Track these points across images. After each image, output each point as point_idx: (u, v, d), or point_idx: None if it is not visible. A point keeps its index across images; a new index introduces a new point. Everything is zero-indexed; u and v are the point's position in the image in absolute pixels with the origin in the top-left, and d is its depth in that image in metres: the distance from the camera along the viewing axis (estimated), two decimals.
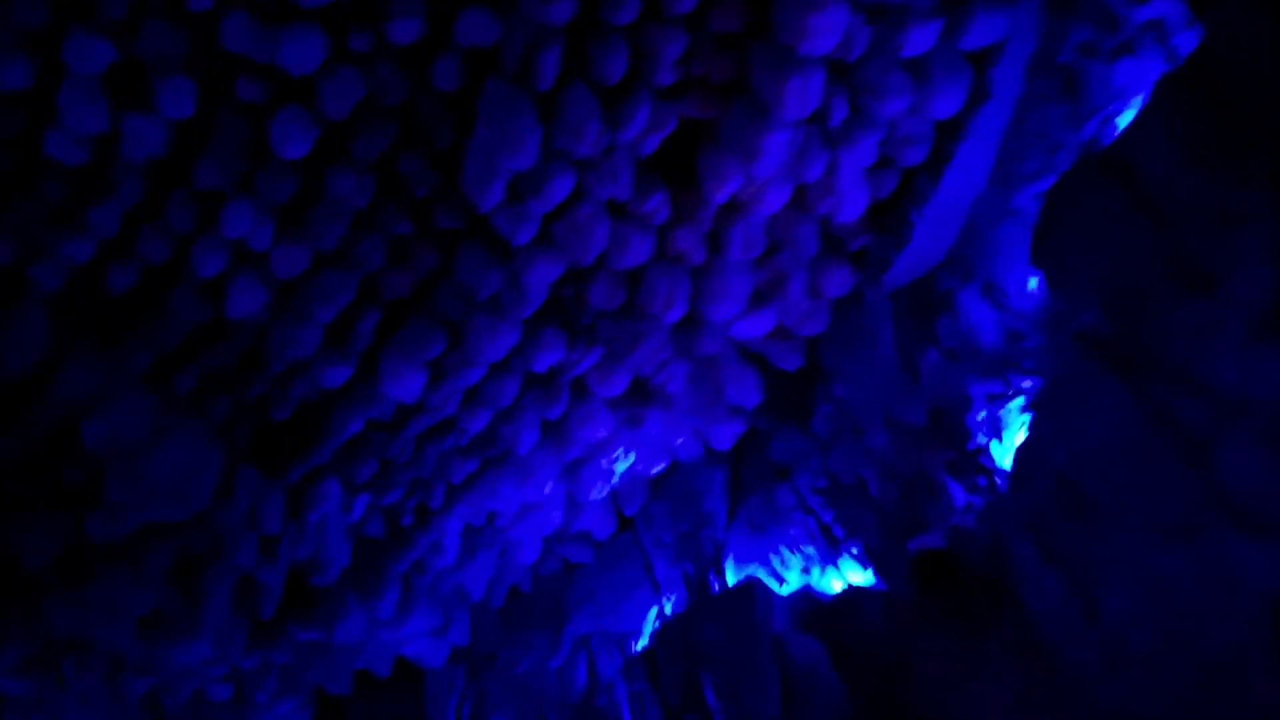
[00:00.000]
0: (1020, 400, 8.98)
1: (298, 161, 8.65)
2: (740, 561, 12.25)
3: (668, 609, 12.71)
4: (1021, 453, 8.62)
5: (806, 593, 11.81)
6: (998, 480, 9.13)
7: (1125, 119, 8.50)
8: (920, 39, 8.09)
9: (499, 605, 12.99)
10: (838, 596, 11.44)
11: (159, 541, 9.77)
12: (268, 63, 8.07)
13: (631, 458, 11.52)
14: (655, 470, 12.13)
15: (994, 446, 9.26)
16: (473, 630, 12.90)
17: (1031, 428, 8.66)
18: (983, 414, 9.09)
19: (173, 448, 9.12)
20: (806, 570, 11.97)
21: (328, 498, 10.61)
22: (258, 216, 8.76)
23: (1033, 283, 9.04)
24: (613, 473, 11.55)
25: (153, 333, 8.96)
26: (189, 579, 10.27)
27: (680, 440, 11.75)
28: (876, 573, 11.06)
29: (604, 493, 11.78)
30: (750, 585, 11.71)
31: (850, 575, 11.50)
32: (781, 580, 12.11)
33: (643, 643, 12.89)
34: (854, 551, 11.40)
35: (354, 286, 9.33)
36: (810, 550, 11.89)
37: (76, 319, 8.56)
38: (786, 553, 12.05)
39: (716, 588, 12.27)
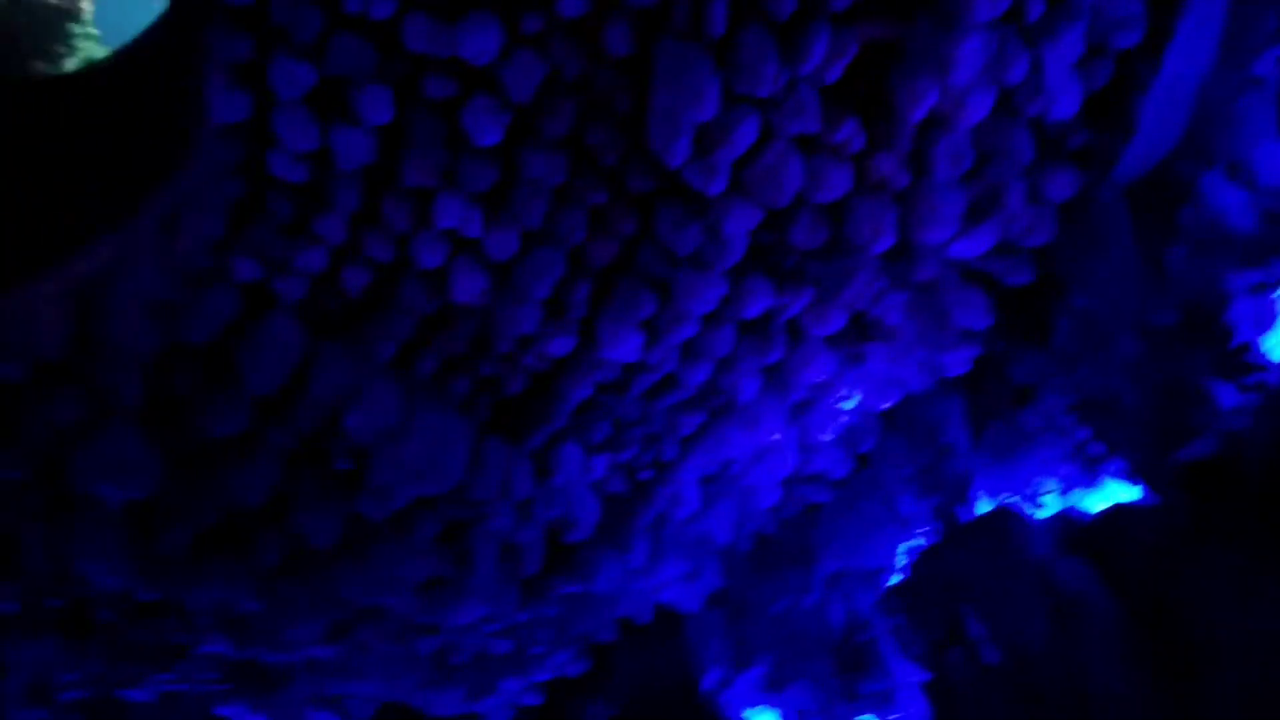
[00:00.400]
0: None
1: (493, 148, 9.02)
2: (988, 490, 11.73)
3: (917, 543, 12.41)
4: None
5: (1066, 516, 11.14)
6: (1270, 377, 8.16)
7: None
8: None
9: (746, 549, 13.20)
10: (1102, 516, 10.72)
11: (425, 514, 10.65)
12: (450, 57, 8.45)
13: (858, 395, 11.28)
14: (886, 405, 11.81)
15: (1262, 340, 8.28)
16: (725, 574, 13.21)
17: None
18: (1244, 306, 8.13)
19: (424, 429, 9.88)
20: (1064, 493, 11.28)
21: (569, 460, 11.15)
22: (465, 206, 9.24)
23: None
24: (841, 412, 11.37)
25: (390, 325, 9.71)
26: (457, 545, 11.17)
27: (909, 373, 11.36)
28: (1144, 488, 10.26)
29: (835, 433, 11.62)
30: (1004, 512, 11.22)
31: (1114, 493, 10.73)
32: (1037, 505, 11.49)
33: (895, 578, 12.69)
34: (1115, 469, 10.61)
35: (562, 260, 9.65)
36: (1066, 472, 11.19)
37: (322, 322, 9.42)
38: (1040, 477, 11.40)
39: (966, 518, 11.83)
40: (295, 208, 8.89)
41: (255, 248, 8.76)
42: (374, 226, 9.27)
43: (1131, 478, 10.45)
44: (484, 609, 11.60)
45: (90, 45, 17.26)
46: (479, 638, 12.67)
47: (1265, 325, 8.18)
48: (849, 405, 11.28)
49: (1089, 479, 10.82)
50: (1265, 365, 8.33)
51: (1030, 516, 11.16)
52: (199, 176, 8.49)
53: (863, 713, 12.77)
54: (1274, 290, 7.95)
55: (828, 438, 11.60)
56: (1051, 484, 11.24)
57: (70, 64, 16.87)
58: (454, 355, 10.32)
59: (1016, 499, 11.49)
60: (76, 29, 17.19)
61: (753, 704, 13.45)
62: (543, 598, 12.44)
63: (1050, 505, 11.32)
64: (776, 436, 11.21)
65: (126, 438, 9.33)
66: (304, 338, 9.28)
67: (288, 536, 10.41)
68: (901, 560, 12.48)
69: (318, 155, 8.74)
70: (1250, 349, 8.30)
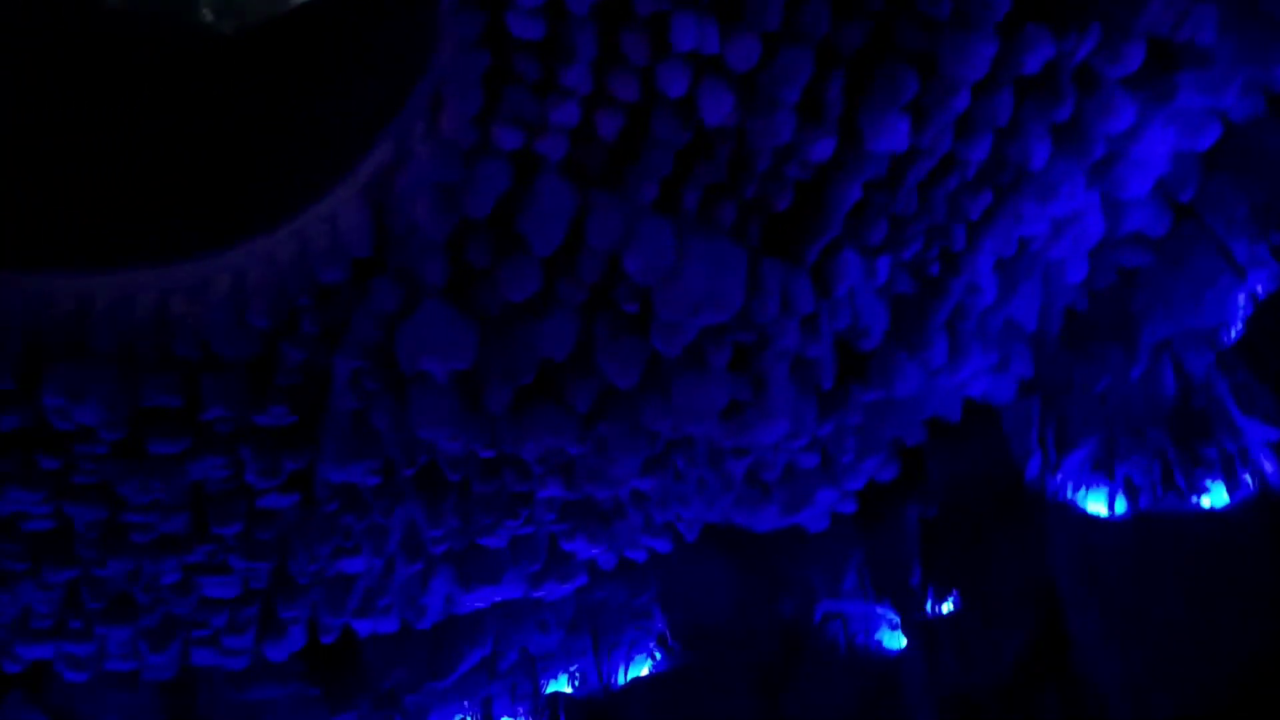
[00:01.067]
0: None
1: None
2: None
3: (1258, 291, 11.06)
4: None
5: None
6: None
7: None
8: None
9: (1057, 330, 12.38)
10: None
11: (715, 343, 10.80)
12: None
13: (1170, 135, 9.97)
14: (1206, 142, 10.37)
15: None
16: (1036, 360, 12.52)
17: None
18: None
19: (699, 261, 9.90)
20: None
21: (849, 268, 10.83)
22: (700, 22, 8.88)
23: None
24: (1150, 159, 10.12)
25: (650, 163, 9.68)
26: (750, 369, 11.29)
27: (1229, 100, 9.84)
28: None
29: (1147, 184, 10.41)
30: None
31: None
32: None
33: (1236, 332, 11.44)
34: None
35: (810, 57, 9.10)
36: None
37: (586, 173, 9.54)
38: None
39: None
40: (541, 65, 8.94)
41: (512, 113, 8.93)
42: (617, 66, 9.15)
43: None
44: (785, 426, 11.74)
45: None
46: (786, 454, 12.91)
47: None
48: (1160, 150, 9.99)
49: None
50: None
51: None
52: (450, 54, 8.71)
53: (1208, 479, 11.88)
54: None
55: (1139, 191, 10.42)
56: None
57: None
58: (716, 182, 10.17)
59: None
60: None
61: (1083, 485, 12.89)
62: (843, 408, 12.41)
63: None
64: (1078, 200, 10.21)
65: (441, 315, 10.11)
66: (573, 193, 9.47)
67: (595, 382, 10.98)
68: (1241, 312, 11.18)
69: (551, 6, 8.66)
70: None
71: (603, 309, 10.40)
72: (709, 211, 10.09)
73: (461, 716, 15.75)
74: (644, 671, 15.42)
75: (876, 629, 15.21)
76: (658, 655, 15.35)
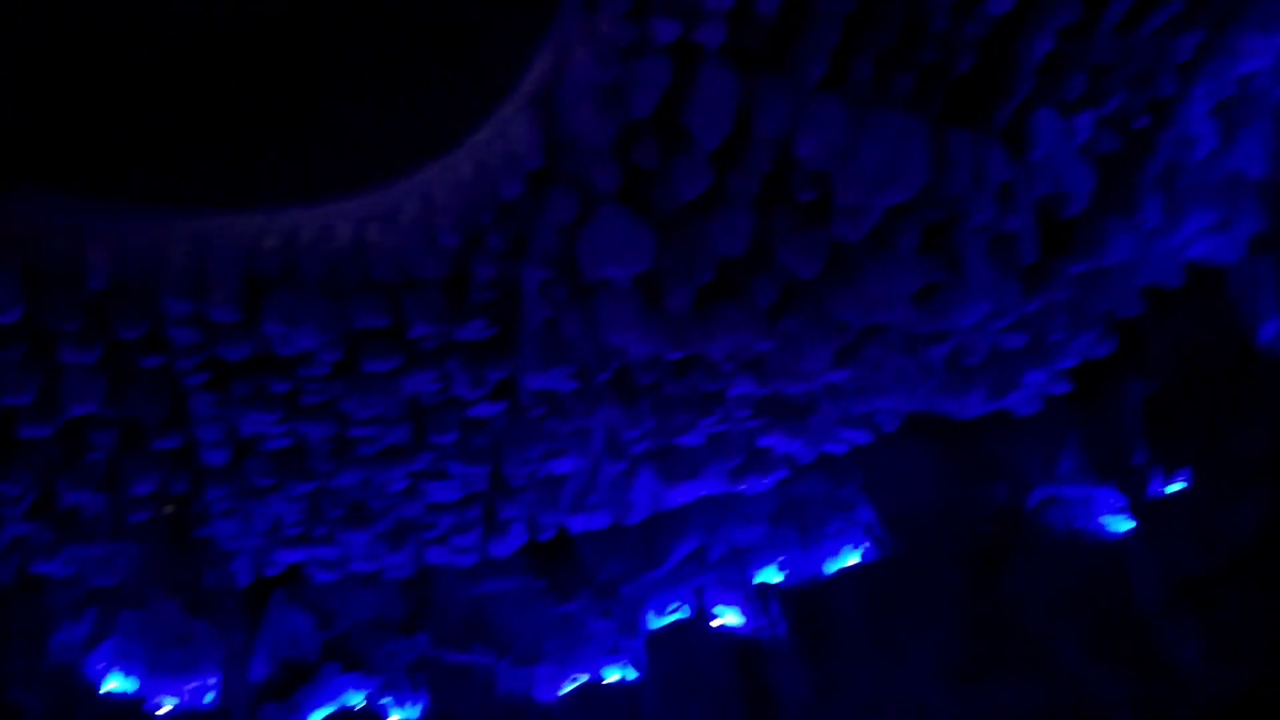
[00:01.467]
0: None
1: None
2: None
3: None
4: None
5: None
6: None
7: None
8: None
9: None
10: None
11: (901, 224, 10.36)
12: None
13: None
14: None
15: None
16: (1267, 213, 11.24)
17: None
18: None
19: (876, 137, 9.45)
20: None
21: (1045, 128, 10.04)
22: None
23: None
24: None
25: (814, 38, 9.23)
26: (942, 249, 10.78)
27: None
28: None
29: None
30: None
31: None
32: None
33: None
34: None
35: None
36: None
37: (748, 58, 9.22)
38: None
39: None
40: None
41: (667, 3, 8.71)
42: None
43: None
44: (986, 307, 11.19)
45: None
46: (989, 335, 12.32)
47: None
48: None
49: None
50: None
51: None
52: None
53: None
54: None
55: None
56: None
57: None
58: (887, 50, 9.58)
59: None
60: None
61: None
62: (1049, 283, 11.67)
63: None
64: None
65: (616, 220, 10.21)
66: (737, 81, 9.20)
67: (777, 275, 10.82)
68: None
69: None
70: None
71: (778, 199, 10.17)
72: (883, 83, 9.56)
73: (676, 605, 16.38)
74: (852, 561, 15.44)
75: (1098, 512, 14.49)
76: (865, 545, 15.32)
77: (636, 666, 16.30)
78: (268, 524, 14.06)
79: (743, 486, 15.12)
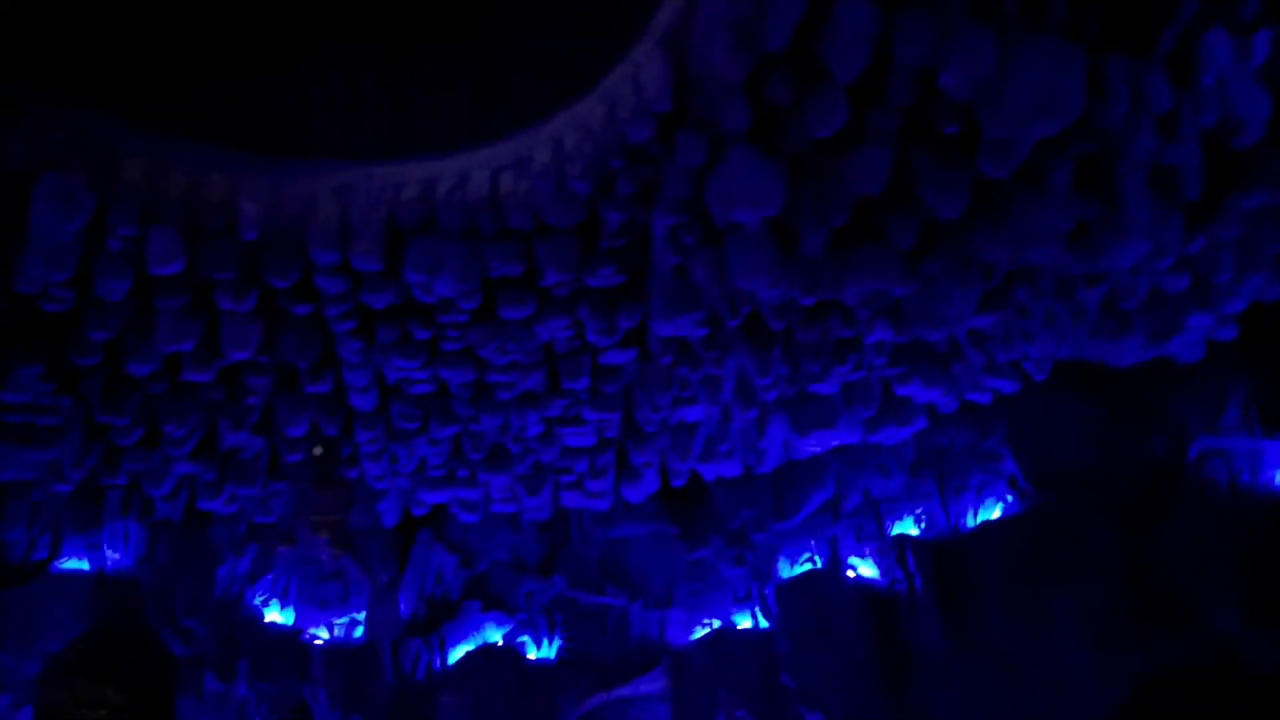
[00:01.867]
0: None
1: None
2: None
3: None
4: None
5: None
6: None
7: None
8: None
9: None
10: None
11: (1053, 157, 9.77)
12: None
13: None
14: None
15: None
16: None
17: None
18: None
19: (1026, 65, 8.86)
20: None
21: (1215, 51, 9.24)
22: None
23: None
24: None
25: None
26: (1098, 184, 10.12)
27: None
28: None
29: None
30: None
31: None
32: None
33: None
34: None
35: None
36: None
37: None
38: None
39: None
40: None
41: None
42: None
43: None
44: (1145, 246, 10.47)
45: None
46: (1149, 277, 11.56)
47: None
48: None
49: None
50: None
51: None
52: None
53: None
54: None
55: None
56: None
57: None
58: None
59: None
60: None
61: None
62: (1216, 220, 10.84)
63: None
64: None
65: (747, 162, 9.97)
66: (874, 9, 8.78)
67: (918, 215, 10.40)
68: None
69: None
70: None
71: (919, 134, 9.72)
72: (1033, 7, 8.96)
73: (809, 555, 16.27)
74: (995, 515, 14.95)
75: (1266, 466, 13.54)
76: (1009, 498, 14.79)
77: (768, 615, 16.31)
78: (413, 465, 14.62)
79: (879, 436, 14.75)
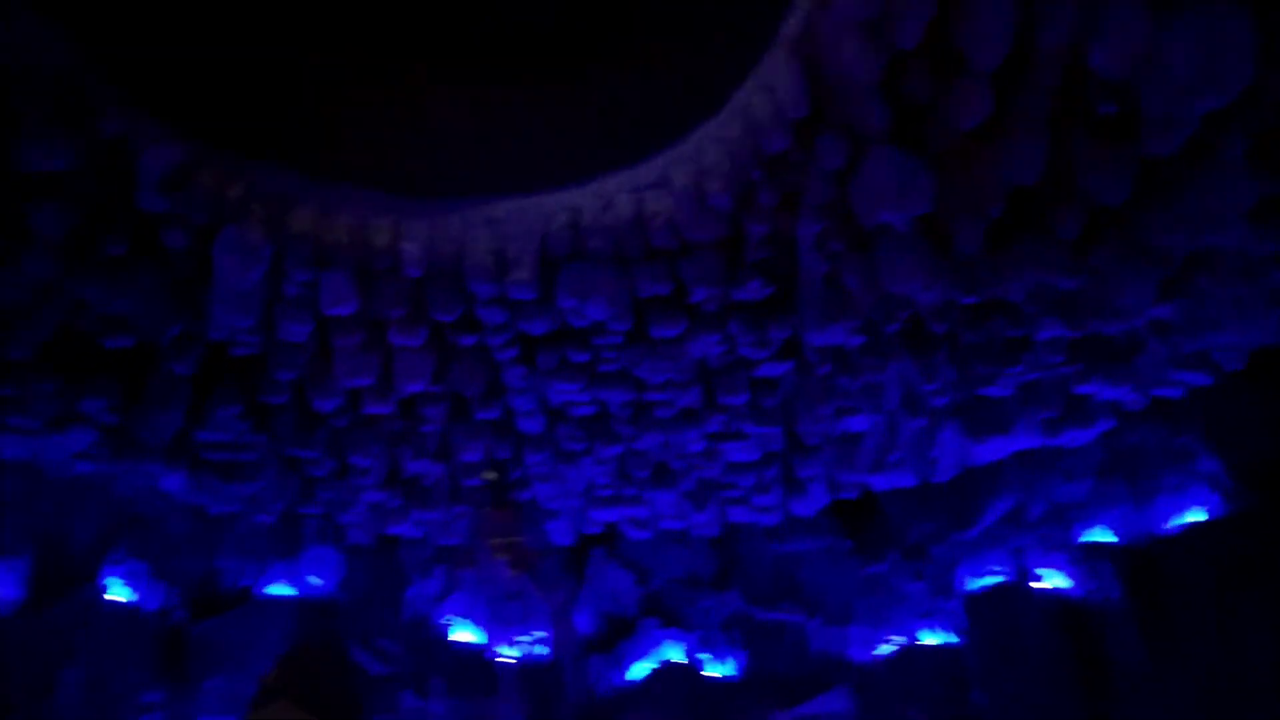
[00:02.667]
0: None
1: None
2: None
3: None
4: None
5: None
6: None
7: None
8: None
9: None
10: None
11: (1223, 133, 9.03)
12: None
13: None
14: None
15: None
16: None
17: None
18: None
19: (1185, 36, 8.25)
20: None
21: None
22: None
23: None
24: None
25: None
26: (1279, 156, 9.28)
27: None
28: None
29: None
30: None
31: None
32: None
33: None
34: None
35: None
36: None
37: None
38: None
39: None
40: None
41: None
42: None
43: None
44: None
45: None
46: None
47: None
48: None
49: None
50: None
51: None
52: None
53: None
54: None
55: None
56: None
57: None
58: None
59: None
60: None
61: None
62: None
63: None
64: None
65: (890, 161, 9.72)
66: None
67: (1080, 202, 9.82)
68: None
69: None
70: None
71: (1073, 117, 9.20)
72: None
73: (996, 568, 15.51)
74: (1194, 517, 13.79)
75: None
76: (1209, 499, 13.60)
77: (955, 630, 15.66)
78: (582, 485, 14.97)
79: (1062, 439, 13.96)
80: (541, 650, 16.48)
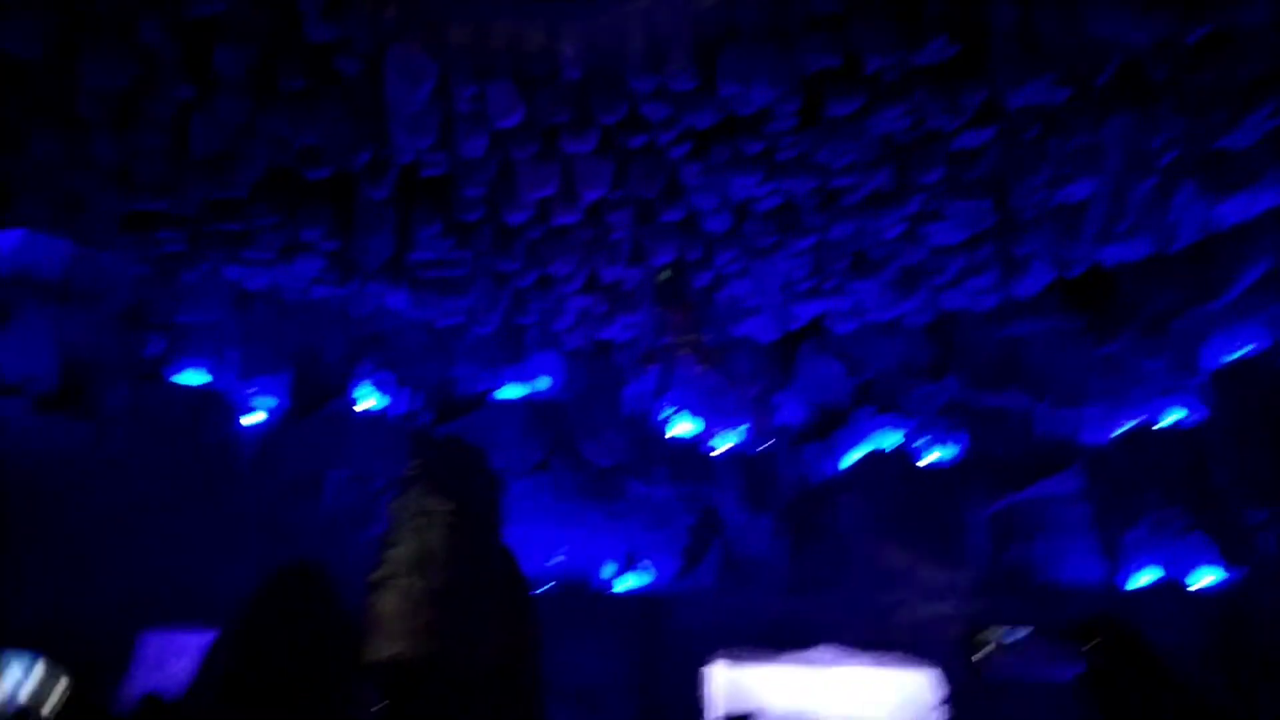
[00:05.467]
0: None
1: None
2: None
3: None
4: None
5: None
6: None
7: None
8: None
9: None
10: None
11: None
12: None
13: None
14: None
15: None
16: None
17: None
18: None
19: None
20: None
21: None
22: None
23: None
24: None
25: None
26: None
27: None
28: None
29: None
30: None
31: None
32: None
33: None
34: None
35: None
36: None
37: None
38: None
39: None
40: None
41: None
42: None
43: None
44: None
45: None
46: None
47: None
48: None
49: None
50: None
51: None
52: None
53: None
54: None
55: None
56: None
57: None
58: None
59: None
60: None
61: None
62: None
63: None
64: None
65: None
66: None
67: None
68: None
69: None
70: None
71: None
72: None
73: (1246, 341, 13.97)
74: None
75: None
76: None
77: (1197, 408, 14.42)
78: (779, 281, 14.69)
79: None
80: (751, 441, 16.83)
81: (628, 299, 15.35)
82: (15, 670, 10.59)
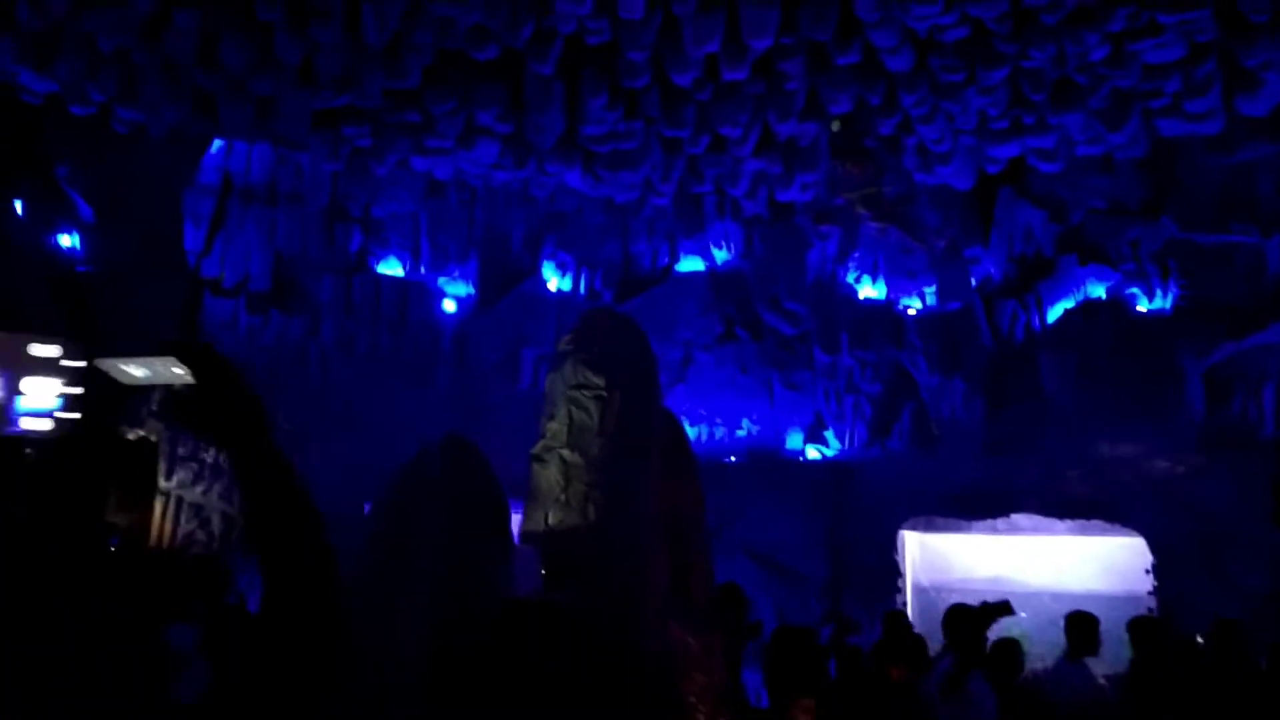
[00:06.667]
0: None
1: None
2: None
3: None
4: None
5: None
6: None
7: None
8: None
9: None
10: None
11: None
12: None
13: None
14: None
15: None
16: None
17: None
18: None
19: None
20: None
21: None
22: None
23: None
24: None
25: None
26: None
27: None
28: None
29: None
30: None
31: None
32: None
33: None
34: None
35: None
36: None
37: None
38: None
39: None
40: None
41: None
42: None
43: None
44: None
45: None
46: None
47: None
48: None
49: None
50: None
51: None
52: None
53: None
54: None
55: None
56: None
57: None
58: None
59: None
60: None
61: None
62: None
63: None
64: None
65: None
66: None
67: None
68: None
69: None
70: None
71: None
72: None
73: None
74: None
75: None
76: None
77: None
78: (972, 121, 13.67)
79: None
80: (949, 300, 16.08)
81: (805, 156, 14.77)
82: None
